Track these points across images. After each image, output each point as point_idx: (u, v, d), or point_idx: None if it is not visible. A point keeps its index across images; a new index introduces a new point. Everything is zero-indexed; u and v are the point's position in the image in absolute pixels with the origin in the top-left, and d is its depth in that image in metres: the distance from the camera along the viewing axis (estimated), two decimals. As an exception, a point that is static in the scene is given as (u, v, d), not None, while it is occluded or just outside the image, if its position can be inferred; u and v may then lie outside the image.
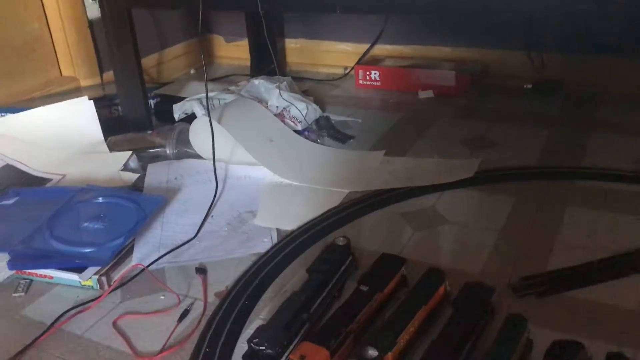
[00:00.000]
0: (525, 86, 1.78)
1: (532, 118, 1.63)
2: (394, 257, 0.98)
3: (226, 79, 2.06)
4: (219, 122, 1.37)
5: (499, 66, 1.86)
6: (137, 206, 1.14)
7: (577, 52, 1.75)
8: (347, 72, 2.04)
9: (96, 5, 1.84)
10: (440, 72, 1.83)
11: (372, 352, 0.76)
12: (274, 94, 1.61)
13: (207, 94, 1.37)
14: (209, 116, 1.32)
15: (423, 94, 1.82)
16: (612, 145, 1.44)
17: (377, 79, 1.91)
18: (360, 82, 1.94)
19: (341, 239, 1.03)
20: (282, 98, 1.59)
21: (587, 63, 1.75)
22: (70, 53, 1.89)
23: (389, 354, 0.77)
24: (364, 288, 0.89)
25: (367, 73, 1.92)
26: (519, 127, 1.58)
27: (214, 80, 2.03)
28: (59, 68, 1.91)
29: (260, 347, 0.79)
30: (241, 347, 0.87)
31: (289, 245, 1.13)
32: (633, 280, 0.97)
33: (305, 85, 1.96)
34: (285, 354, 0.80)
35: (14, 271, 1.05)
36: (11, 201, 1.21)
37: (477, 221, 1.17)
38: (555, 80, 1.76)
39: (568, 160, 1.38)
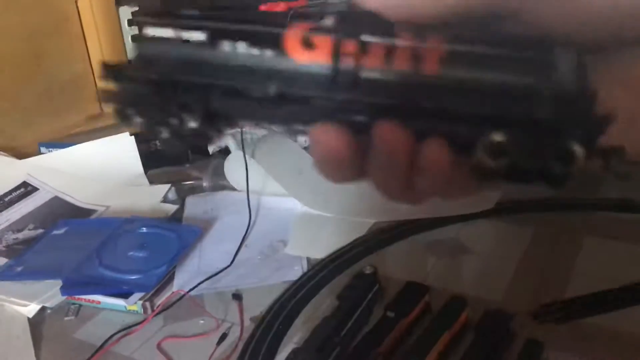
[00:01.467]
0: (545, 119, 1.83)
1: (552, 150, 1.68)
2: (418, 285, 1.04)
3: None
4: (252, 156, 1.46)
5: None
6: (178, 236, 1.23)
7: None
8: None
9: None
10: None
11: (399, 374, 0.82)
12: (303, 128, 1.70)
13: (242, 130, 1.46)
14: (243, 151, 1.41)
15: (445, 127, 1.89)
16: (631, 175, 1.48)
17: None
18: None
19: (368, 267, 1.10)
20: (311, 132, 1.67)
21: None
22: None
23: (415, 375, 0.83)
24: (390, 314, 0.96)
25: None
26: (539, 158, 1.63)
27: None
28: (100, 105, 2.03)
29: (295, 368, 0.86)
30: (276, 368, 0.94)
31: (319, 274, 1.19)
32: (648, 308, 1.02)
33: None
34: (318, 375, 0.86)
35: (65, 297, 1.13)
36: (62, 231, 1.31)
37: (497, 250, 1.23)
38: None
39: (585, 192, 1.43)
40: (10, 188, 1.49)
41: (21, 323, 1.08)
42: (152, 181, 1.56)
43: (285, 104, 0.27)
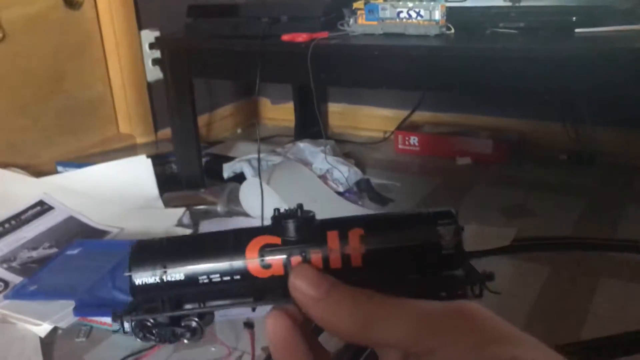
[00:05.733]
0: (560, 157, 1.84)
1: (567, 189, 1.68)
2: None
3: (271, 140, 2.18)
4: (267, 183, 1.47)
5: (535, 136, 1.93)
6: (192, 261, 1.22)
7: (613, 125, 1.81)
8: (387, 136, 2.13)
9: (156, 69, 1.99)
10: (478, 140, 1.90)
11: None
12: (318, 157, 1.71)
13: (259, 156, 1.47)
14: (260, 177, 1.41)
15: (461, 161, 1.89)
16: (647, 218, 1.48)
17: (416, 144, 1.99)
18: (400, 146, 2.03)
19: (382, 300, 1.09)
20: (327, 161, 1.68)
21: (622, 135, 1.80)
22: (129, 112, 2.03)
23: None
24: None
25: (407, 138, 2.01)
26: (554, 197, 1.63)
27: (260, 140, 2.14)
28: (117, 126, 2.05)
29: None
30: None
31: (332, 304, 1.19)
32: (666, 354, 1.00)
33: (346, 148, 2.05)
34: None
35: (77, 318, 1.13)
36: (76, 251, 1.31)
37: (512, 289, 1.22)
38: (590, 152, 1.81)
39: (602, 232, 1.42)
40: (26, 206, 1.50)
41: (33, 343, 1.08)
42: (167, 204, 1.56)
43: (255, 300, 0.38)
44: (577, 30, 1.22)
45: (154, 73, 2.01)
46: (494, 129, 1.98)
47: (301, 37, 1.36)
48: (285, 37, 1.39)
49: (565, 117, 1.86)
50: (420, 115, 2.13)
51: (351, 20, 1.41)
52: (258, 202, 1.42)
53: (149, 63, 2.01)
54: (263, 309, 0.36)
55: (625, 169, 1.75)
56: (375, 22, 1.38)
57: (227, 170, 1.73)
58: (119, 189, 1.59)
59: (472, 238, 1.41)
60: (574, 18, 1.22)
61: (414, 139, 2.00)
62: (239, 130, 2.36)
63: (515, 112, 1.96)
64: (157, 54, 1.85)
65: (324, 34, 1.39)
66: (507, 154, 1.88)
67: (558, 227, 1.45)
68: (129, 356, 1.06)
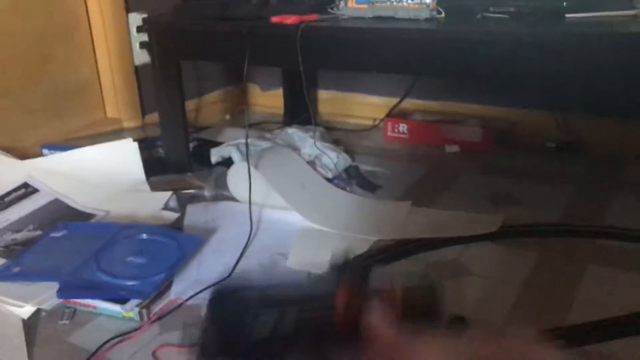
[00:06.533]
0: (548, 145, 1.84)
1: (556, 177, 1.68)
2: (420, 304, 1.03)
3: (260, 126, 2.16)
4: (255, 167, 1.45)
5: (524, 124, 1.93)
6: (178, 244, 1.21)
7: (601, 114, 1.81)
8: (376, 124, 2.12)
9: (143, 52, 1.97)
10: (467, 128, 1.90)
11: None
12: (307, 142, 1.70)
13: (247, 141, 1.46)
14: (248, 162, 1.40)
15: (450, 149, 1.89)
16: (635, 206, 1.48)
17: (405, 132, 1.99)
18: (389, 134, 2.02)
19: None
20: (316, 147, 1.67)
21: (610, 124, 1.80)
22: (116, 96, 2.00)
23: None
24: (391, 332, 0.94)
25: (396, 126, 2.00)
26: (542, 185, 1.63)
27: (249, 127, 2.12)
28: (104, 110, 2.03)
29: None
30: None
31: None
32: (651, 338, 1.01)
33: (335, 135, 2.04)
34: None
35: (60, 300, 1.11)
36: (60, 234, 1.29)
37: (500, 274, 1.22)
38: (578, 141, 1.82)
39: (590, 220, 1.42)
40: (10, 188, 1.48)
41: (16, 324, 1.06)
42: (154, 188, 1.55)
43: None
44: (567, 15, 1.22)
45: (142, 57, 1.99)
46: (483, 117, 1.97)
47: (290, 19, 1.35)
48: (275, 19, 1.38)
49: (554, 106, 1.86)
50: (410, 103, 2.12)
51: (341, 3, 1.40)
52: (246, 187, 1.40)
53: (136, 46, 1.99)
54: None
55: (614, 158, 1.76)
56: (365, 5, 1.37)
57: (215, 155, 1.71)
58: (104, 172, 1.57)
59: (460, 225, 1.41)
60: (565, 3, 1.22)
61: (403, 127, 1.99)
62: (227, 117, 2.34)
63: (505, 101, 1.96)
64: (145, 37, 1.83)
65: (314, 17, 1.38)
66: (495, 142, 1.88)
67: (546, 215, 1.45)
68: (113, 338, 1.05)
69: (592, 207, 1.49)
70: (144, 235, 1.24)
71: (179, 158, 1.68)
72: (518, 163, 1.80)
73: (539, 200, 1.54)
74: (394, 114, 2.09)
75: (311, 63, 1.39)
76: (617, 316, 1.05)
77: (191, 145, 1.84)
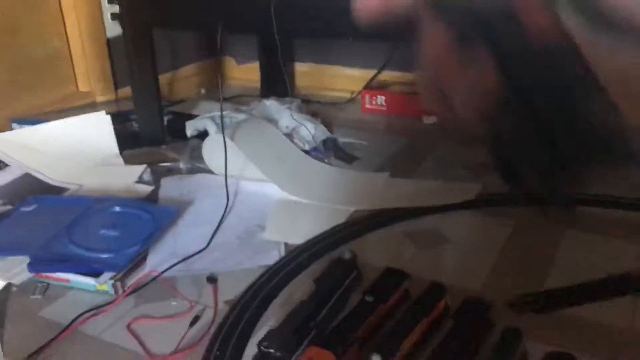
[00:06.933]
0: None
1: (533, 146, 1.68)
2: (398, 271, 1.02)
3: (237, 100, 2.13)
4: (231, 139, 1.43)
5: (502, 95, 1.92)
6: (152, 217, 1.19)
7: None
8: (354, 96, 2.10)
9: (115, 24, 1.91)
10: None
11: (376, 358, 0.80)
12: (284, 114, 1.67)
13: (221, 113, 1.43)
14: (223, 134, 1.38)
15: (428, 120, 1.88)
16: (612, 174, 1.49)
17: (383, 103, 1.97)
18: (367, 106, 2.00)
19: (348, 253, 1.08)
20: (293, 118, 1.65)
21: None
22: (87, 69, 1.95)
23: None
24: (369, 299, 0.94)
25: (374, 98, 1.99)
26: (519, 154, 1.63)
27: (225, 100, 2.09)
28: (76, 83, 1.98)
29: (270, 350, 0.84)
30: (250, 350, 0.91)
31: (297, 259, 1.17)
32: (626, 301, 1.01)
33: (312, 107, 2.02)
34: (293, 358, 0.84)
35: (32, 274, 1.09)
36: (30, 208, 1.26)
37: (478, 242, 1.22)
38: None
39: (568, 187, 1.43)
40: (-21, 163, 1.44)
41: (-15, 299, 1.04)
42: (127, 161, 1.52)
43: None
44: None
45: (114, 29, 1.94)
46: (461, 88, 1.96)
47: (265, -15, 1.32)
48: (249, -15, 1.34)
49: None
50: (388, 75, 2.10)
51: (317, -31, 1.37)
52: (221, 158, 1.38)
53: (108, 18, 1.93)
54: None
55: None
56: (341, -28, 1.34)
57: (190, 128, 1.68)
58: (76, 146, 1.54)
59: (437, 194, 1.40)
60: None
61: (380, 99, 1.98)
62: (202, 90, 2.30)
63: (483, 72, 1.95)
64: (116, 8, 1.78)
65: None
66: (474, 113, 1.87)
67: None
68: (87, 311, 1.03)
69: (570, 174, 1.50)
70: (117, 208, 1.21)
71: (153, 131, 1.65)
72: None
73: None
74: (372, 86, 2.07)
75: (286, 29, 1.36)
76: (592, 280, 1.06)
77: (166, 118, 1.81)
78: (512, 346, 0.83)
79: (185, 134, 1.70)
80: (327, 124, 1.81)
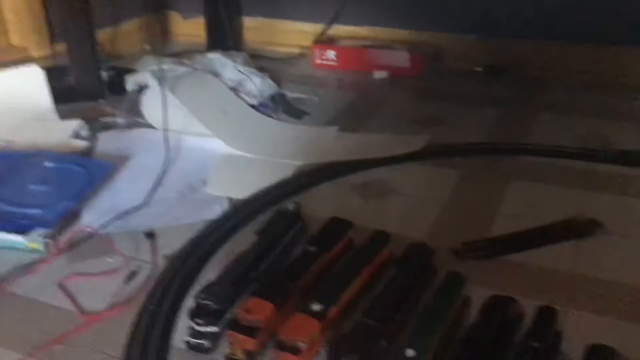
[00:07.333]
0: (476, 69, 1.83)
1: (482, 99, 1.67)
2: (342, 221, 1.00)
3: (181, 55, 2.04)
4: (171, 92, 1.37)
5: (452, 49, 1.90)
6: (86, 171, 1.13)
7: (526, 37, 1.81)
8: (304, 51, 2.05)
9: (48, -26, 1.80)
10: (395, 53, 1.86)
11: (317, 306, 0.78)
12: (229, 67, 1.61)
13: (161, 63, 1.36)
14: (162, 86, 1.31)
15: (378, 75, 1.85)
16: (557, 125, 1.49)
17: (334, 58, 1.93)
18: (317, 61, 1.95)
19: (292, 204, 1.05)
20: (238, 71, 1.59)
21: (535, 47, 1.80)
22: (19, 22, 1.83)
23: (333, 308, 0.79)
24: (311, 248, 0.91)
25: (324, 53, 1.94)
26: (468, 107, 1.62)
27: (170, 56, 2.00)
28: (8, 37, 1.86)
29: (207, 302, 0.80)
30: (188, 305, 0.88)
31: (240, 213, 1.14)
32: (566, 246, 1.02)
33: (261, 63, 1.95)
34: (232, 309, 0.81)
35: (-44, 233, 1.02)
36: (-45, 165, 1.18)
37: (424, 192, 1.21)
38: (504, 64, 1.81)
39: (514, 138, 1.43)
40: None
41: None
42: (62, 117, 1.44)
43: None
44: None
45: (47, -21, 1.82)
46: (411, 42, 1.93)
47: None
48: None
49: (481, 30, 1.84)
50: (339, 30, 2.05)
51: None
52: (160, 111, 1.32)
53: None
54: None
55: (538, 80, 1.76)
56: None
57: (131, 83, 1.60)
58: (8, 101, 1.45)
59: (385, 146, 1.38)
60: None
61: (331, 53, 1.93)
62: (146, 46, 2.20)
63: (433, 26, 1.92)
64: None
65: None
66: (423, 68, 1.85)
67: (471, 136, 1.44)
68: (16, 271, 0.97)
69: (516, 126, 1.50)
70: (48, 163, 1.15)
71: (90, 86, 1.56)
72: (445, 87, 1.78)
73: (465, 122, 1.53)
74: (322, 41, 2.02)
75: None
76: (535, 227, 1.06)
77: (106, 74, 1.72)
78: (455, 291, 0.82)
79: (126, 90, 1.62)
80: (276, 79, 1.76)
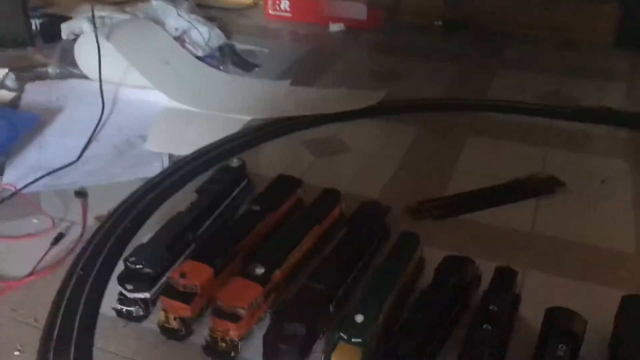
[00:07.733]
0: (435, 23, 1.76)
1: (441, 54, 1.61)
2: (290, 178, 0.93)
3: (124, 3, 1.90)
4: (108, 40, 1.26)
5: (411, 2, 1.82)
6: (8, 123, 1.03)
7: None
8: (256, 1, 1.94)
9: None
10: (352, 5, 1.77)
11: (259, 270, 0.71)
12: (171, 13, 1.50)
13: (99, 10, 1.24)
14: (95, 32, 1.20)
15: (334, 27, 1.76)
16: (516, 81, 1.44)
17: (288, 9, 1.82)
18: (270, 12, 1.85)
19: (235, 160, 0.97)
20: (182, 17, 1.48)
21: (495, 3, 1.74)
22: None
23: (277, 271, 0.73)
24: (256, 208, 0.84)
25: (277, 3, 1.83)
26: (427, 62, 1.56)
27: (110, 3, 1.86)
28: None
29: (138, 266, 0.73)
30: (120, 269, 0.80)
31: (181, 170, 1.05)
32: (525, 205, 0.98)
33: (211, 13, 1.84)
34: (167, 274, 0.74)
35: None
36: None
37: (379, 149, 1.15)
38: (465, 19, 1.74)
39: (473, 94, 1.37)
40: None
41: None
42: (-15, 66, 1.30)
43: None
44: None
45: None
46: (369, -6, 1.84)
47: None
48: None
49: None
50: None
51: None
52: (96, 61, 1.21)
53: None
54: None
55: (499, 36, 1.71)
56: None
57: (66, 30, 1.47)
58: None
59: (339, 101, 1.30)
60: None
61: (285, 4, 1.82)
62: (86, -6, 2.05)
63: (392, -24, 1.83)
64: None
65: None
66: (381, 21, 1.77)
67: (429, 91, 1.38)
68: None
69: (475, 82, 1.44)
70: (-35, 115, 1.03)
71: (17, 32, 1.43)
72: (404, 41, 1.71)
73: (424, 77, 1.47)
74: (276, -9, 1.91)
75: None
76: (494, 185, 1.01)
77: (39, 21, 1.58)
78: (408, 252, 0.76)
79: (61, 39, 1.49)
80: (226, 31, 1.65)
